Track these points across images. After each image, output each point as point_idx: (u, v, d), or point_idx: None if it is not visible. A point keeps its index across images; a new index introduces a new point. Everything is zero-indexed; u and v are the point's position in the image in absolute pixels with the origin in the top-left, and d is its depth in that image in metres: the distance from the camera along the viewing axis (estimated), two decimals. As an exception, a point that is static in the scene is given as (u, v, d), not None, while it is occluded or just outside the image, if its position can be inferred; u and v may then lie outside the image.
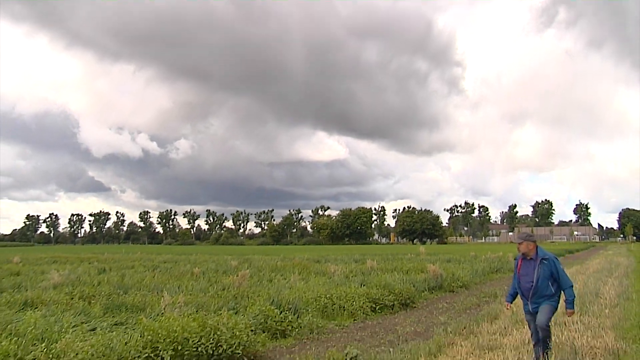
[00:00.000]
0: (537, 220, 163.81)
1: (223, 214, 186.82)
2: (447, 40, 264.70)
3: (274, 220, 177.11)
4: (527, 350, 6.67)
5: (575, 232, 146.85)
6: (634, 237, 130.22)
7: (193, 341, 6.78)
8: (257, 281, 16.30)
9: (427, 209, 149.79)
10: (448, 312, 11.77)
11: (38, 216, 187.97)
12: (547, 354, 5.65)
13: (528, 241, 5.87)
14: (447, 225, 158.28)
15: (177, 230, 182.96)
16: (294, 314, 9.40)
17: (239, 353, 7.05)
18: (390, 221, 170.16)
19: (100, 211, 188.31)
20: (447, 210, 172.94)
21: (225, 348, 6.94)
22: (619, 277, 18.18)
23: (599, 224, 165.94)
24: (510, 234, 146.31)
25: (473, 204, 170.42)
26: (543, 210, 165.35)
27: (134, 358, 6.23)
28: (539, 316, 5.73)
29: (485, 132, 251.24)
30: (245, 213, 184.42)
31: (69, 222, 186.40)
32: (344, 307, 11.07)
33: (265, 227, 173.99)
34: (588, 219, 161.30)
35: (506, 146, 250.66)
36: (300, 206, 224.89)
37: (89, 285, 14.76)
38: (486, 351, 6.91)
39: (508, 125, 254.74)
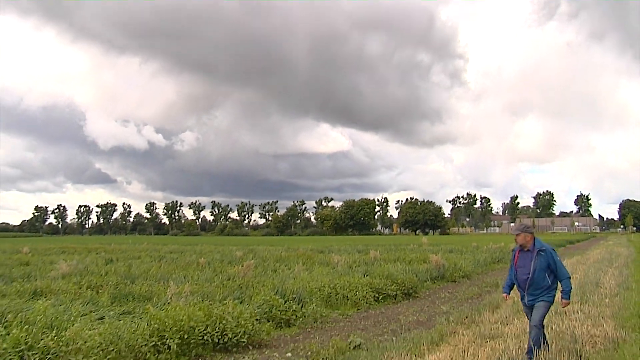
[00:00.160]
0: (539, 211, 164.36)
1: (228, 205, 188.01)
2: (450, 32, 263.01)
3: (278, 211, 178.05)
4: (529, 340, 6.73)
5: (576, 223, 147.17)
6: (634, 228, 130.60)
7: (199, 330, 6.91)
8: (261, 271, 16.41)
9: (430, 200, 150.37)
10: (450, 302, 11.87)
11: (46, 207, 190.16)
12: (537, 349, 5.54)
13: (525, 233, 5.77)
14: (449, 216, 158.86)
15: (183, 221, 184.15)
16: (298, 304, 9.50)
17: (244, 341, 7.17)
18: (393, 212, 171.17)
19: (107, 202, 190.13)
20: (450, 202, 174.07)
21: (230, 337, 7.06)
22: (619, 267, 18.21)
23: (599, 215, 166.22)
24: (512, 224, 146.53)
25: (475, 195, 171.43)
26: (544, 201, 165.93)
27: (142, 346, 6.34)
28: (534, 314, 5.66)
29: (487, 124, 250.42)
30: (249, 204, 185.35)
31: (76, 213, 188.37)
32: (347, 296, 11.18)
33: (270, 218, 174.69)
34: (589, 210, 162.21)
35: (508, 138, 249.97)
36: (304, 197, 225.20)
37: (96, 275, 14.94)
38: (488, 340, 6.98)
39: (510, 117, 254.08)
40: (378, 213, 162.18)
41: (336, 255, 21.86)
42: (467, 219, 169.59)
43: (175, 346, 6.56)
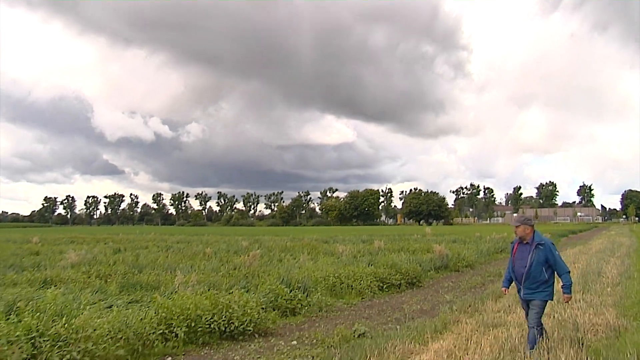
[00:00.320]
0: (541, 201, 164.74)
1: (234, 196, 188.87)
2: (453, 24, 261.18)
3: (283, 201, 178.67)
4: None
5: (579, 213, 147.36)
6: (637, 218, 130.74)
7: (206, 318, 7.01)
8: (267, 261, 16.53)
9: (433, 190, 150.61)
10: (453, 291, 11.94)
11: (55, 198, 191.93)
12: (532, 347, 5.48)
13: (525, 225, 5.65)
14: (452, 206, 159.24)
15: (190, 211, 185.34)
16: (303, 293, 9.58)
17: (250, 330, 7.26)
18: (397, 203, 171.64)
19: (115, 193, 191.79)
20: (453, 192, 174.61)
21: (237, 325, 7.15)
22: (621, 257, 18.22)
23: (602, 205, 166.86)
24: (515, 215, 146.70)
25: (478, 186, 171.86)
26: (547, 191, 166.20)
27: (149, 334, 6.45)
28: (530, 315, 5.55)
29: (491, 115, 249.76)
30: (255, 195, 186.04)
31: (84, 204, 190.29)
32: (352, 286, 11.27)
33: (275, 209, 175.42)
34: (591, 201, 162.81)
35: (511, 129, 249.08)
36: (309, 188, 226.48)
37: (105, 265, 15.12)
38: (490, 328, 7.04)
39: (513, 108, 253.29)
40: (382, 203, 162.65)
41: (341, 245, 21.98)
42: (471, 210, 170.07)
43: (182, 334, 6.67)
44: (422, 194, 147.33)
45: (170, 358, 6.34)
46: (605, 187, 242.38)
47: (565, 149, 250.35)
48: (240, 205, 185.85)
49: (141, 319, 6.74)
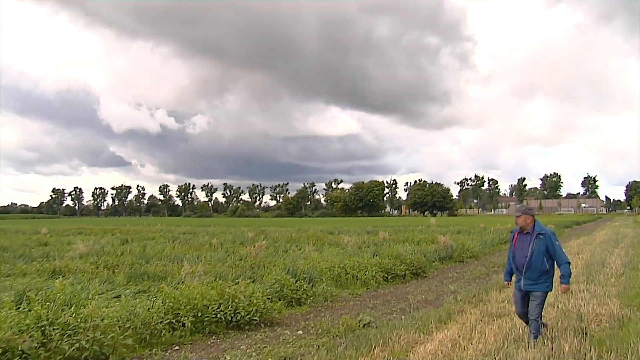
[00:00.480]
0: (546, 193, 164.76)
1: (240, 187, 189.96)
2: (458, 15, 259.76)
3: (288, 193, 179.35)
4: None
5: (583, 205, 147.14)
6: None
7: (212, 308, 7.08)
8: (272, 252, 16.62)
9: (438, 182, 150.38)
10: (458, 282, 11.97)
11: (63, 190, 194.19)
12: (536, 337, 5.43)
13: (526, 214, 5.58)
14: (457, 198, 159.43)
15: (196, 203, 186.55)
16: (308, 283, 9.62)
17: (256, 319, 7.33)
18: (402, 194, 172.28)
19: (122, 185, 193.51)
20: (458, 184, 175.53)
21: (243, 315, 7.21)
22: (625, 248, 18.18)
23: (606, 197, 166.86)
24: (517, 206, 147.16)
25: (483, 177, 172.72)
26: (551, 183, 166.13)
27: (157, 323, 6.54)
28: (532, 307, 5.49)
29: (496, 107, 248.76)
30: (261, 186, 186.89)
31: (92, 196, 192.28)
32: (357, 276, 11.31)
33: (281, 200, 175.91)
34: (595, 192, 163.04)
35: (516, 120, 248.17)
36: (314, 179, 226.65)
37: (112, 255, 15.27)
38: (495, 318, 7.08)
39: (518, 99, 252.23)
40: (387, 195, 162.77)
41: (346, 236, 22.05)
42: (475, 201, 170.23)
43: (189, 324, 6.74)
44: (427, 185, 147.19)
45: (177, 347, 6.42)
46: (609, 178, 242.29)
47: (570, 141, 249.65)
48: (245, 197, 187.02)
49: (149, 308, 6.82)
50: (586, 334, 5.88)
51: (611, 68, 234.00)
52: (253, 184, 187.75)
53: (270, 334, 7.08)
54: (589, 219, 65.43)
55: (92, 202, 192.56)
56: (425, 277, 12.87)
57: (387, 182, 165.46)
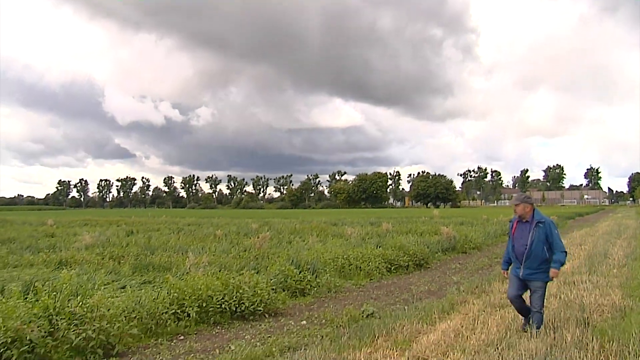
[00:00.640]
0: (549, 184, 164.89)
1: (244, 179, 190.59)
2: (461, 6, 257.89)
3: (292, 184, 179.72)
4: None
5: (586, 196, 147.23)
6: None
7: (217, 298, 7.14)
8: (276, 243, 16.70)
9: (441, 173, 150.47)
10: (461, 272, 12.00)
11: (69, 181, 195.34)
12: (538, 327, 5.45)
13: (525, 203, 5.54)
14: (460, 189, 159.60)
15: (200, 194, 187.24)
16: (312, 274, 9.67)
17: (260, 310, 7.39)
18: (405, 185, 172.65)
19: (127, 177, 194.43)
20: (461, 175, 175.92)
21: (247, 305, 7.27)
22: (627, 239, 18.17)
23: (609, 188, 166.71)
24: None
25: (486, 169, 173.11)
26: (554, 174, 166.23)
27: (162, 313, 6.61)
28: (534, 299, 5.48)
29: (499, 98, 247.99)
30: (265, 178, 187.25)
31: (97, 187, 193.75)
32: (360, 267, 11.36)
33: (284, 192, 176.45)
34: (598, 183, 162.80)
35: (519, 112, 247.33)
36: (317, 171, 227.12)
37: (118, 247, 15.41)
38: (497, 309, 7.10)
39: (521, 91, 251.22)
40: (390, 186, 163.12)
41: (349, 228, 22.10)
42: (478, 192, 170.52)
43: (194, 314, 6.81)
44: (430, 177, 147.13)
45: (182, 337, 6.49)
46: (612, 169, 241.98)
47: (573, 132, 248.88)
48: (250, 188, 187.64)
49: (154, 299, 6.88)
50: (588, 324, 5.90)
51: (614, 60, 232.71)
52: (257, 176, 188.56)
53: (275, 324, 7.13)
54: (591, 211, 65.31)
55: (98, 193, 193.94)
56: (428, 268, 12.91)
57: (390, 174, 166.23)
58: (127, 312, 6.32)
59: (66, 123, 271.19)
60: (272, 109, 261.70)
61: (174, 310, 6.76)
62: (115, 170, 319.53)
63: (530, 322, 5.47)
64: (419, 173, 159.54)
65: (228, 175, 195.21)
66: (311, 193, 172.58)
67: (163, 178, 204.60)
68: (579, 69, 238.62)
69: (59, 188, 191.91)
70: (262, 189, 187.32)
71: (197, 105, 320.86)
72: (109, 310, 5.84)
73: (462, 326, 6.19)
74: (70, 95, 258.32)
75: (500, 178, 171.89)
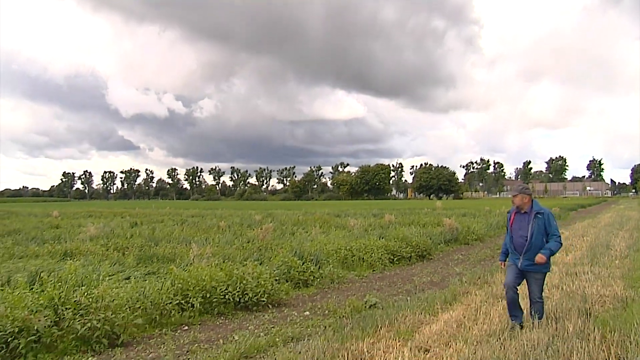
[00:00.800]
0: (551, 176, 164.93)
1: (247, 171, 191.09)
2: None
3: (295, 176, 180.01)
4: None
5: (588, 188, 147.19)
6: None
7: (221, 289, 7.18)
8: (280, 234, 16.74)
9: (444, 165, 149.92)
10: (463, 264, 12.03)
11: (73, 173, 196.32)
12: (540, 317, 5.45)
13: (523, 194, 5.42)
14: (462, 181, 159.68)
15: (204, 186, 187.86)
16: (315, 265, 9.71)
17: (264, 300, 7.43)
18: (408, 177, 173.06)
19: (131, 168, 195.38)
20: (463, 167, 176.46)
21: (251, 296, 7.32)
22: (629, 230, 18.18)
23: (611, 180, 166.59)
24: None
25: (488, 161, 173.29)
26: (557, 166, 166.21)
27: (166, 304, 6.66)
28: (534, 289, 5.42)
29: (501, 90, 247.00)
30: (268, 170, 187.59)
31: (101, 179, 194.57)
32: (363, 258, 11.40)
33: (287, 183, 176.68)
34: (601, 175, 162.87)
35: (522, 103, 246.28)
36: (320, 163, 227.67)
37: (122, 238, 15.50)
38: (500, 300, 7.11)
39: (524, 82, 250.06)
40: (393, 178, 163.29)
41: (352, 219, 22.14)
42: (481, 184, 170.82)
43: (198, 304, 6.86)
44: (433, 168, 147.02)
45: (186, 327, 6.54)
46: (615, 161, 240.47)
47: (576, 124, 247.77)
48: (253, 180, 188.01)
49: (158, 289, 6.93)
50: (590, 314, 5.92)
51: (618, 51, 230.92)
52: (260, 168, 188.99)
53: (278, 314, 7.18)
54: (594, 202, 65.24)
55: (102, 185, 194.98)
56: (431, 259, 12.94)
57: (393, 166, 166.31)
58: (132, 302, 6.37)
59: (70, 115, 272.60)
60: (275, 101, 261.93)
61: (178, 301, 6.81)
62: (119, 162, 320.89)
63: (532, 312, 5.48)
64: (421, 165, 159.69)
65: (231, 167, 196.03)
66: (314, 185, 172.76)
67: (167, 170, 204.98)
68: (582, 60, 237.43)
69: (64, 180, 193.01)
70: (265, 181, 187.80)
71: (201, 97, 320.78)
72: (113, 300, 5.89)
73: (465, 317, 6.22)
74: (74, 87, 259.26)
75: (502, 170, 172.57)
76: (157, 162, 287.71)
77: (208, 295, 7.07)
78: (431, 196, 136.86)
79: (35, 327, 5.14)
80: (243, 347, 5.37)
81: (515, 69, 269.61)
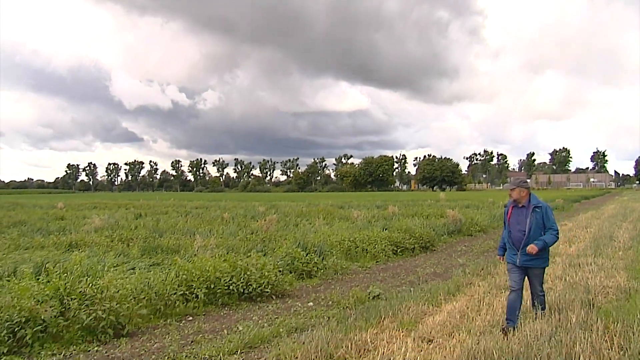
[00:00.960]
0: (555, 167, 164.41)
1: (250, 163, 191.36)
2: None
3: (299, 168, 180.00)
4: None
5: (592, 179, 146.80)
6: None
7: (225, 280, 7.22)
8: (283, 226, 16.79)
9: (447, 157, 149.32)
10: (466, 255, 12.03)
11: (78, 165, 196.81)
12: (543, 308, 5.49)
13: (521, 187, 5.31)
14: (466, 172, 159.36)
15: (207, 178, 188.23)
16: (319, 256, 9.76)
17: (267, 291, 7.47)
18: (411, 169, 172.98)
19: (135, 160, 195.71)
20: (467, 158, 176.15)
21: (255, 287, 7.35)
22: (633, 222, 18.12)
23: (615, 171, 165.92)
24: (528, 180, 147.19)
25: (492, 152, 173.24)
26: (560, 157, 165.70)
27: (171, 295, 6.71)
28: (535, 283, 5.36)
29: (505, 81, 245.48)
30: (271, 161, 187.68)
31: (106, 171, 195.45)
32: (366, 249, 11.42)
33: (291, 175, 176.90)
34: (605, 166, 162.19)
35: (526, 95, 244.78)
36: (324, 155, 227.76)
37: (127, 229, 15.56)
38: (502, 290, 7.12)
39: (528, 73, 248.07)
40: (396, 170, 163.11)
41: (356, 211, 22.15)
42: (484, 176, 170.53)
43: (202, 295, 6.91)
44: (436, 160, 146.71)
45: (191, 318, 6.59)
46: (619, 153, 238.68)
47: (580, 115, 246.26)
48: (256, 172, 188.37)
49: (163, 280, 6.98)
50: (593, 305, 5.92)
51: (623, 42, 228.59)
52: (264, 159, 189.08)
53: (282, 305, 7.21)
54: (597, 194, 65.11)
55: (106, 177, 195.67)
56: (434, 250, 12.96)
57: (396, 157, 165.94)
58: (137, 293, 6.42)
59: (74, 107, 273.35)
60: (278, 93, 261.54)
61: (182, 292, 6.86)
62: (123, 154, 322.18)
63: (536, 303, 5.49)
64: (425, 156, 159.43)
65: (235, 159, 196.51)
66: (318, 176, 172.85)
67: (171, 162, 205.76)
68: (587, 51, 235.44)
69: (68, 172, 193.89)
70: (268, 173, 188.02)
71: (204, 89, 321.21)
72: (118, 291, 5.94)
73: (468, 307, 6.24)
74: (77, 79, 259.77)
75: (506, 161, 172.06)
76: (160, 154, 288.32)
77: (212, 286, 7.11)
78: (434, 188, 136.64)
79: (42, 317, 5.20)
80: (247, 337, 5.41)
81: (520, 60, 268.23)
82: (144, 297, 6.44)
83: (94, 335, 5.51)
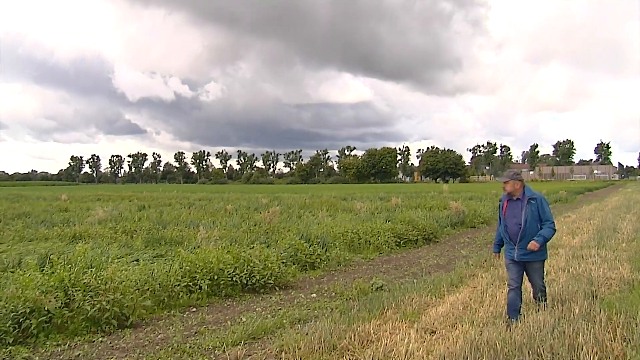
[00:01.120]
0: (558, 159, 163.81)
1: (254, 155, 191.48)
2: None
3: (302, 160, 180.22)
4: (545, 282, 6.85)
5: (595, 171, 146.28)
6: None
7: (228, 272, 7.25)
8: (286, 217, 16.82)
9: (450, 149, 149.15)
10: (469, 246, 12.04)
11: (81, 157, 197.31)
12: (545, 300, 5.44)
13: (514, 180, 5.23)
14: (469, 164, 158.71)
15: (211, 170, 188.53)
16: (322, 248, 9.78)
17: (271, 283, 7.50)
18: (414, 161, 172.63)
19: (138, 152, 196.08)
20: (470, 150, 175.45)
21: (258, 278, 7.38)
22: (636, 214, 18.04)
23: (619, 163, 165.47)
24: (532, 172, 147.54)
25: (495, 144, 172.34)
26: (564, 149, 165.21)
27: (174, 286, 6.74)
28: (535, 279, 5.29)
29: (509, 73, 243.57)
30: (274, 153, 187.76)
31: (109, 163, 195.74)
32: (369, 241, 11.43)
33: (294, 167, 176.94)
34: (609, 158, 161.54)
35: (529, 86, 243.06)
36: (327, 146, 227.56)
37: (130, 221, 15.63)
38: (505, 282, 7.07)
39: (532, 65, 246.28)
40: (399, 161, 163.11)
41: (359, 202, 22.16)
42: (487, 168, 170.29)
43: (206, 287, 6.93)
44: (439, 152, 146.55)
45: (194, 309, 6.62)
46: (623, 144, 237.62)
47: (584, 107, 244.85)
48: (260, 164, 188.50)
49: (166, 272, 7.01)
50: (596, 297, 5.91)
51: (627, 33, 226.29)
52: (267, 151, 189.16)
53: (285, 296, 7.24)
54: (601, 186, 64.97)
55: (110, 169, 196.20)
56: (437, 242, 12.96)
57: (399, 149, 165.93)
58: (140, 284, 6.45)
59: (77, 99, 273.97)
60: (281, 84, 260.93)
61: (186, 283, 6.89)
62: (126, 146, 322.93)
63: (538, 296, 5.47)
64: (428, 148, 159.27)
65: (238, 151, 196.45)
66: (321, 168, 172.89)
67: (174, 154, 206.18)
68: (591, 42, 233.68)
69: (72, 164, 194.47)
70: (271, 164, 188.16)
71: (207, 81, 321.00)
72: (122, 282, 5.97)
73: (471, 299, 6.25)
74: (80, 71, 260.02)
75: (509, 153, 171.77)
76: (163, 146, 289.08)
77: (216, 278, 7.14)
78: (438, 180, 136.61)
79: (46, 308, 5.23)
80: (250, 328, 5.43)
81: (523, 52, 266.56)
82: (148, 289, 6.47)
83: (98, 326, 5.54)
